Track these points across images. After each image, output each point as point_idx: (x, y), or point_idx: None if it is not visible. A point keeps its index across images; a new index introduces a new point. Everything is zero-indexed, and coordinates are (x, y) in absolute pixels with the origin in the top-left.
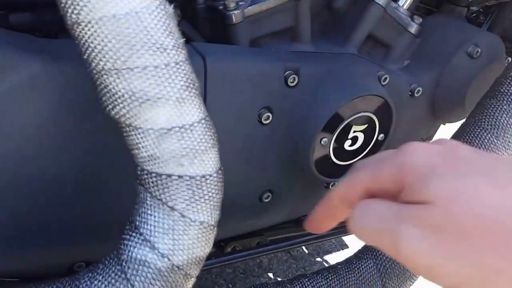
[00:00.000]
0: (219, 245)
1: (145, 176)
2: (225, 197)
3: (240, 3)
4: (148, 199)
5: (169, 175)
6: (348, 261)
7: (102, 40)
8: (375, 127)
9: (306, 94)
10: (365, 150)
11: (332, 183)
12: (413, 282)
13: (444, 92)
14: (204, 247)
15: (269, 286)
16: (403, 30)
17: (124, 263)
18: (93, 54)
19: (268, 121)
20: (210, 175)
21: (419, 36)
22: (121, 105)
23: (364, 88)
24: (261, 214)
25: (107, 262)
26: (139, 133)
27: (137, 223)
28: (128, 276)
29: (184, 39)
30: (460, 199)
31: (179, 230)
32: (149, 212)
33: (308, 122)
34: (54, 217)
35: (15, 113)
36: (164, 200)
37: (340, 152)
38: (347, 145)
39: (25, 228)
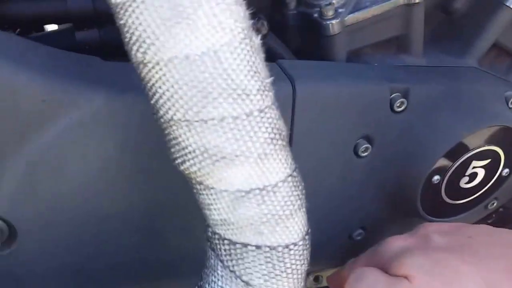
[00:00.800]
0: None
1: (217, 242)
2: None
3: (339, 10)
4: (219, 268)
5: (245, 245)
6: None
7: (172, 86)
8: (500, 162)
9: (416, 122)
10: (484, 187)
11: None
12: None
13: None
14: None
15: None
16: None
17: None
18: (161, 101)
19: (366, 154)
20: (295, 244)
21: None
22: (191, 162)
23: (492, 117)
24: (351, 251)
25: None
26: (211, 194)
27: None
28: None
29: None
30: (436, 274)
31: None
32: (220, 283)
33: (417, 157)
34: (121, 256)
35: (77, 151)
36: (237, 273)
37: (453, 190)
38: (463, 182)
39: (90, 267)
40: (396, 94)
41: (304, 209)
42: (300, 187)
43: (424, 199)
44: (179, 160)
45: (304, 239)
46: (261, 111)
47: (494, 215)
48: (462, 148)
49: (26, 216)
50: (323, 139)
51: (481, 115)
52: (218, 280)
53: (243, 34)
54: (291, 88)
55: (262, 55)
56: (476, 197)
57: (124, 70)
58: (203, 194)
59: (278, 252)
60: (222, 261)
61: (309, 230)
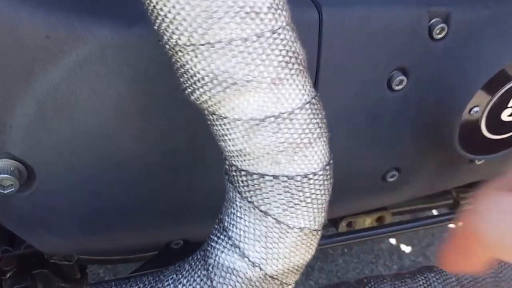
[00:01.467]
0: (334, 220)
1: (234, 173)
2: (341, 174)
3: None
4: (238, 200)
5: (262, 175)
6: None
7: (173, 7)
8: None
9: (456, 49)
10: None
11: (479, 160)
12: None
13: None
14: (304, 255)
15: (386, 279)
16: None
17: (210, 269)
18: (164, 25)
19: (400, 87)
20: (315, 174)
21: None
22: (201, 90)
23: None
24: (384, 194)
25: (193, 264)
26: (224, 124)
27: (226, 224)
28: (214, 284)
29: None
30: None
31: (274, 237)
32: (238, 214)
33: (456, 88)
34: (141, 198)
35: (87, 90)
36: (256, 203)
37: (494, 123)
38: (505, 115)
39: (111, 209)
40: (436, 19)
41: (325, 139)
42: (320, 115)
43: (463, 135)
44: (189, 90)
45: (324, 169)
46: (273, 32)
47: None
48: (505, 77)
49: (42, 157)
50: (353, 71)
51: None
52: (237, 211)
53: None
54: (317, 14)
55: None
56: None
57: (130, 1)
58: (216, 125)
59: (297, 181)
60: (240, 193)
61: (331, 161)
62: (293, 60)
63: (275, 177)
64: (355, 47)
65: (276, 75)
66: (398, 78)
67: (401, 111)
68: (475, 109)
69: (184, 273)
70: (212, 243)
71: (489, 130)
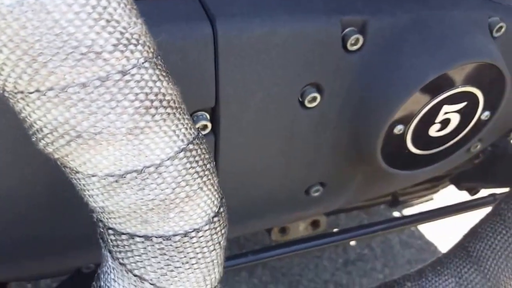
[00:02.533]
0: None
1: (102, 230)
2: (262, 190)
3: None
4: (110, 259)
5: (132, 236)
6: None
7: None
8: (477, 104)
9: (375, 61)
10: (460, 134)
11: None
12: None
13: None
14: None
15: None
16: None
17: None
18: None
19: (314, 104)
20: (198, 230)
21: None
22: (43, 142)
23: (471, 51)
24: (309, 207)
25: None
26: (78, 179)
27: (102, 283)
28: None
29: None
30: None
31: None
32: (112, 276)
33: (376, 104)
34: (34, 230)
35: None
36: (128, 266)
37: (421, 139)
38: (433, 130)
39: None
40: (350, 29)
41: (210, 187)
42: (201, 162)
43: (387, 152)
44: (33, 138)
45: (211, 222)
46: (124, 73)
47: (481, 155)
48: (430, 91)
49: None
50: (260, 87)
51: (456, 49)
52: (111, 272)
53: None
54: (211, 28)
55: None
56: (452, 144)
57: None
58: (72, 178)
59: (176, 242)
60: (110, 252)
61: (222, 209)
62: (156, 103)
63: (147, 238)
64: (257, 63)
65: (134, 124)
66: (310, 95)
67: (318, 127)
68: (399, 126)
69: None
70: None
71: (416, 146)
